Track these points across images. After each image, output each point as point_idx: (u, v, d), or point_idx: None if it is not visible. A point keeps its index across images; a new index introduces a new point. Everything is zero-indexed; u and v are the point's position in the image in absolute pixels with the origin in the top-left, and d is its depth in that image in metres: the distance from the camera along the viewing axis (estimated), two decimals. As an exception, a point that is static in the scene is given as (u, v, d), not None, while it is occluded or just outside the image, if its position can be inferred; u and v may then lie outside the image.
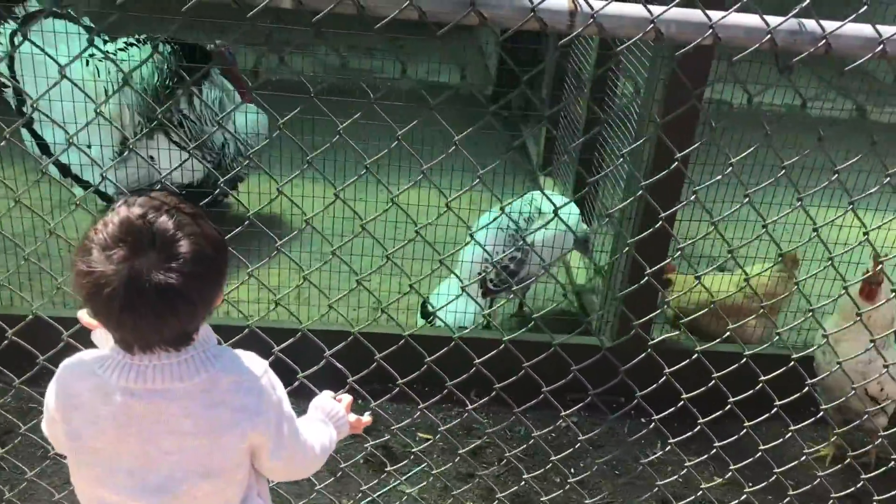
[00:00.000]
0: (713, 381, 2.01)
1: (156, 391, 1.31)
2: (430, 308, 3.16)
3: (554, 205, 1.86)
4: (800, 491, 2.32)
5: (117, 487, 1.36)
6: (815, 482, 2.32)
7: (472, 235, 2.54)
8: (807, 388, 2.12)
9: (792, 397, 2.10)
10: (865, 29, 1.47)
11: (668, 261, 2.87)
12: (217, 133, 3.68)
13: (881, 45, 1.45)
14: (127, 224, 1.23)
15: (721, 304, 3.30)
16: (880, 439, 2.55)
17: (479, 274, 3.14)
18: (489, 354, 1.92)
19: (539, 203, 3.24)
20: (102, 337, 1.45)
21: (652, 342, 2.00)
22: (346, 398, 1.76)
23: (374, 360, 1.93)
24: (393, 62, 5.25)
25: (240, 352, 1.45)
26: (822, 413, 2.50)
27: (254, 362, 1.44)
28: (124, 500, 1.37)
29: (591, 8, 1.43)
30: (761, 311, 2.23)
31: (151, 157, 3.49)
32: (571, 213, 3.35)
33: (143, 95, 3.37)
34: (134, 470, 1.35)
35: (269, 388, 1.43)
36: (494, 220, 3.10)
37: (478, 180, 1.66)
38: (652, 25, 1.44)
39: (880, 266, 2.60)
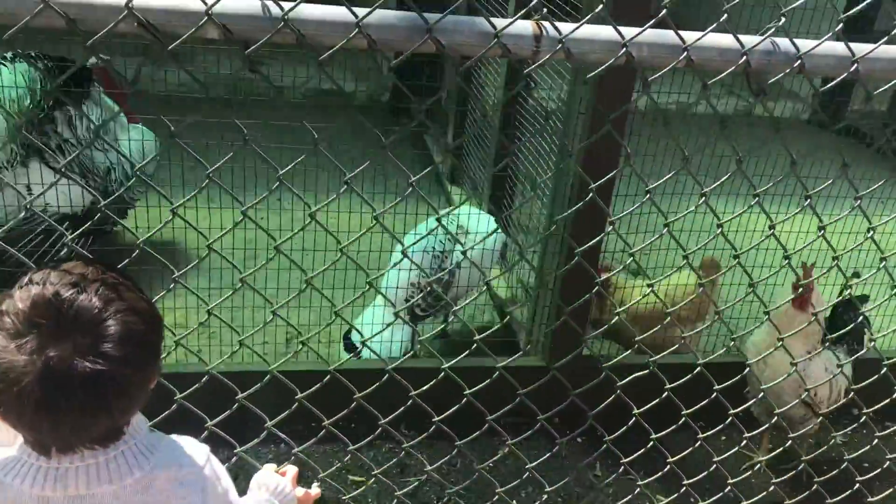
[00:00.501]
0: (665, 394, 1.91)
1: (79, 498, 1.09)
2: (353, 340, 2.97)
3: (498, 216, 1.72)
4: (753, 500, 2.28)
5: None
6: (770, 489, 2.28)
7: (405, 254, 2.37)
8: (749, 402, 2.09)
9: (742, 406, 2.06)
10: (838, 47, 1.39)
11: (613, 272, 2.79)
12: (102, 157, 3.35)
13: (854, 65, 1.37)
14: (40, 304, 1.01)
15: (651, 312, 3.28)
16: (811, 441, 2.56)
17: (407, 300, 2.97)
18: (428, 385, 1.75)
19: (461, 221, 3.10)
20: (5, 433, 1.20)
21: (608, 363, 1.90)
22: (291, 470, 1.57)
23: (295, 400, 1.71)
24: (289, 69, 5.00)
25: (176, 437, 1.25)
26: (763, 426, 2.47)
27: (194, 449, 1.24)
28: None
29: (559, 32, 1.29)
30: (717, 314, 2.16)
31: (28, 187, 3.14)
32: (492, 229, 3.22)
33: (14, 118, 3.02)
34: None
35: (214, 479, 1.25)
36: (418, 241, 2.94)
37: (408, 189, 1.48)
38: (624, 50, 1.31)
39: (810, 273, 2.60)
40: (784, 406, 2.59)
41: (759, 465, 2.94)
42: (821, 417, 2.79)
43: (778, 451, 2.46)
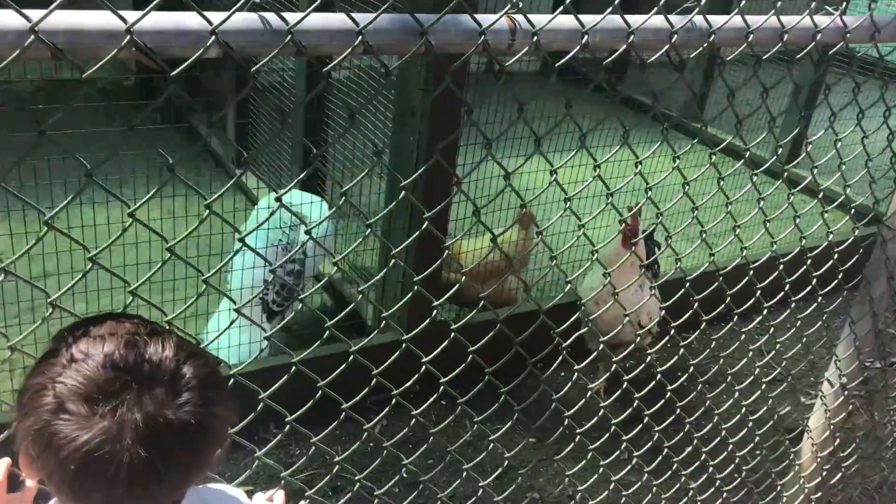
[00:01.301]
0: (514, 348, 1.81)
1: None
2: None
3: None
4: (588, 426, 2.42)
5: None
6: (599, 413, 2.43)
7: (255, 251, 2.24)
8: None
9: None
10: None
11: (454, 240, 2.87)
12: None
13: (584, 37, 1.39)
14: (112, 361, 0.89)
15: (484, 267, 3.45)
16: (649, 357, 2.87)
17: (262, 298, 2.85)
18: (278, 383, 1.53)
19: (296, 206, 3.01)
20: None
21: (456, 326, 1.73)
22: (279, 496, 1.50)
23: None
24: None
25: (210, 486, 1.16)
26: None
27: (236, 493, 1.17)
28: None
29: (532, 25, 1.33)
30: (553, 259, 2.32)
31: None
32: (324, 210, 3.18)
33: None
34: None
35: None
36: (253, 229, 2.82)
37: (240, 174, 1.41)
38: (585, 38, 1.39)
39: (637, 213, 2.91)
40: (625, 336, 2.90)
41: (593, 391, 3.26)
42: (649, 338, 3.18)
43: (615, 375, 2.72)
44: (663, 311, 3.17)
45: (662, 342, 3.39)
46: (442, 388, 1.80)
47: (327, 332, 1.56)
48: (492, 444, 2.05)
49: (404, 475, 2.21)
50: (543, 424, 2.12)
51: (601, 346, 2.37)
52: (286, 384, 1.49)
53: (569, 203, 1.62)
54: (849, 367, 2.36)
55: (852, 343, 2.32)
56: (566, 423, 2.26)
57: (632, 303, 2.95)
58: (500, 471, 2.48)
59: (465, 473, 1.89)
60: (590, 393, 2.44)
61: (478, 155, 1.68)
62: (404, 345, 1.68)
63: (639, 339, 2.94)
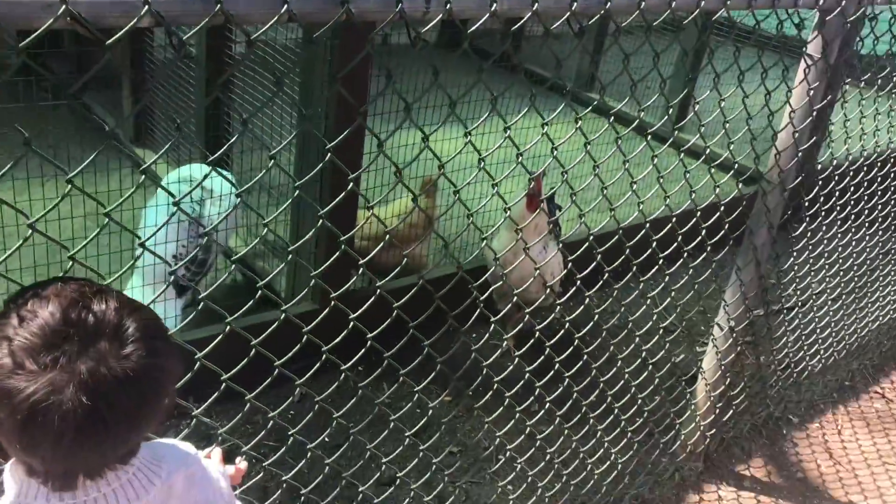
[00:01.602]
0: (434, 304, 1.90)
1: None
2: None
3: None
4: (500, 377, 2.53)
5: None
6: (512, 367, 2.54)
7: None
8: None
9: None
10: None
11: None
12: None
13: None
14: (57, 317, 0.93)
15: (394, 234, 3.52)
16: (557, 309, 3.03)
17: (171, 274, 2.84)
18: (205, 351, 1.51)
19: (206, 183, 3.01)
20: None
21: (380, 283, 1.75)
22: (216, 452, 1.55)
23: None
24: None
25: (162, 441, 1.22)
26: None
27: (186, 447, 1.23)
28: None
29: None
30: (469, 217, 2.46)
31: None
32: (234, 185, 3.18)
33: None
34: None
35: (209, 471, 1.25)
36: (172, 213, 2.80)
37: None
38: (494, 5, 1.47)
39: (541, 179, 3.05)
40: (531, 295, 3.05)
41: (507, 346, 3.41)
42: (553, 296, 3.34)
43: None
44: (565, 271, 3.38)
45: (566, 296, 3.59)
46: (362, 352, 1.87)
47: (249, 303, 1.55)
48: (416, 396, 2.14)
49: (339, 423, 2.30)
50: (460, 381, 2.24)
51: (510, 304, 2.51)
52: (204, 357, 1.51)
53: (482, 163, 1.71)
54: (736, 311, 2.57)
55: (738, 289, 2.53)
56: (482, 376, 2.39)
57: (538, 261, 3.11)
58: (422, 422, 2.58)
59: (392, 424, 1.98)
60: (500, 350, 2.58)
61: (389, 126, 1.74)
62: (332, 306, 1.73)
63: (543, 297, 3.11)
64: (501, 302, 3.37)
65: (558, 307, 2.59)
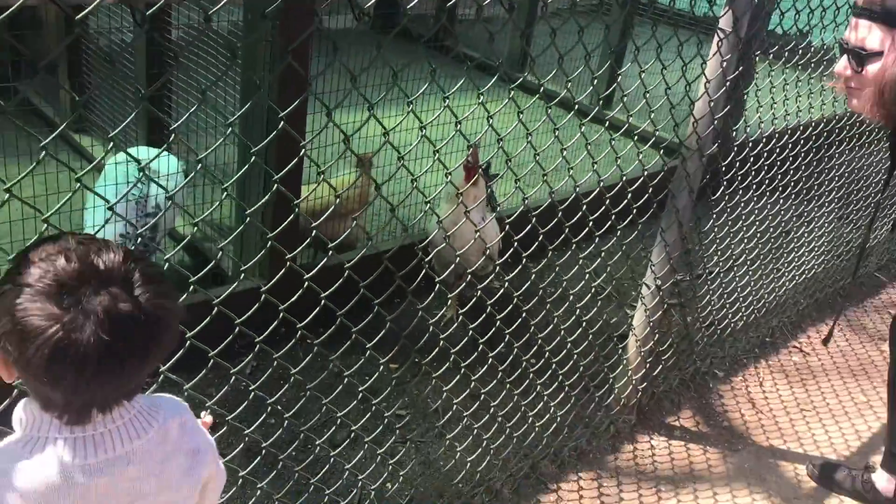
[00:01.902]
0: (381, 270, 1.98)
1: (117, 459, 1.14)
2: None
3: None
4: (445, 335, 2.64)
5: None
6: (454, 326, 2.64)
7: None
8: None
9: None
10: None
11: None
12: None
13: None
14: (77, 265, 1.03)
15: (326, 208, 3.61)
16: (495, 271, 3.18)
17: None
18: None
19: (152, 164, 3.06)
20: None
21: (308, 275, 1.82)
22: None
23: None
24: None
25: (156, 395, 1.32)
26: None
27: (179, 400, 1.32)
28: None
29: None
30: (413, 182, 2.58)
31: None
32: (175, 164, 3.23)
33: None
34: None
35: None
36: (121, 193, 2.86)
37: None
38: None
39: (477, 149, 3.19)
40: (471, 263, 3.19)
41: (453, 316, 3.55)
42: (491, 264, 3.48)
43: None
44: (500, 236, 3.53)
45: (503, 259, 3.74)
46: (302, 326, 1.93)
47: (191, 285, 1.62)
48: (368, 353, 2.22)
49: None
50: (407, 342, 2.36)
51: (450, 270, 2.65)
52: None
53: (424, 131, 1.83)
54: (662, 270, 2.75)
55: (663, 249, 2.71)
56: (429, 335, 2.52)
57: (476, 230, 3.25)
58: (373, 378, 2.68)
59: (346, 380, 2.09)
60: (444, 312, 2.74)
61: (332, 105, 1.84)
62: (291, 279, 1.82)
63: (482, 262, 3.26)
64: (443, 269, 3.50)
65: (495, 271, 2.74)
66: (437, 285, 2.36)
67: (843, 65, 2.04)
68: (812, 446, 3.11)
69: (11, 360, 1.04)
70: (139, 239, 3.02)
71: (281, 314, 1.83)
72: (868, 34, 1.96)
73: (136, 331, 1.05)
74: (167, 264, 1.61)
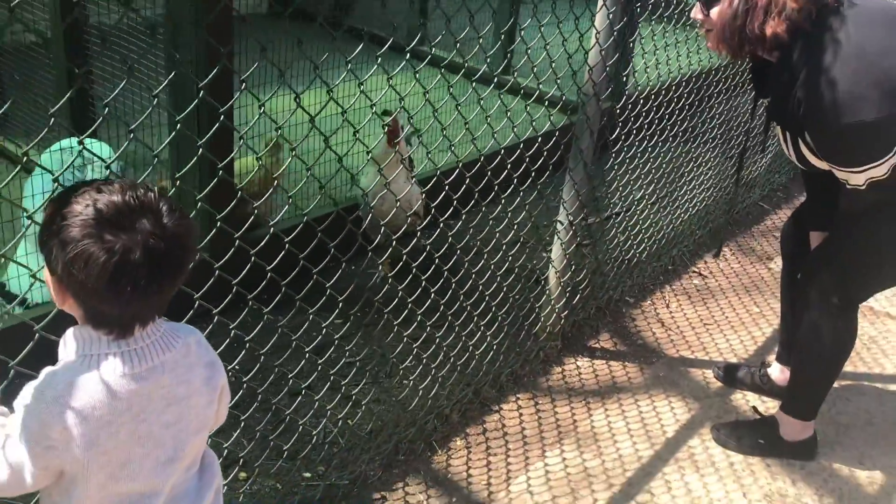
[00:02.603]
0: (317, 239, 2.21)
1: (154, 368, 1.36)
2: (9, 289, 2.95)
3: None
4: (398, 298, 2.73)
5: (132, 476, 1.37)
6: (385, 288, 2.90)
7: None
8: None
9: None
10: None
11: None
12: None
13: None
14: (120, 200, 1.25)
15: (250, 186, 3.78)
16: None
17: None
18: None
19: (83, 150, 3.17)
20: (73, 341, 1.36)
21: (254, 251, 1.98)
22: None
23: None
24: None
25: None
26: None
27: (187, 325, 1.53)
28: (139, 487, 1.39)
29: None
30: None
31: None
32: (108, 151, 3.35)
33: None
34: (147, 453, 1.38)
35: None
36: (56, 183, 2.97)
37: None
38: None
39: (398, 116, 3.43)
40: (399, 221, 3.44)
41: (383, 275, 3.79)
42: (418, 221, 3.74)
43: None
44: (422, 199, 3.79)
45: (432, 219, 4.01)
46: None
47: None
48: (311, 317, 2.45)
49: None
50: (347, 304, 2.49)
51: (381, 233, 2.91)
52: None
53: (332, 99, 2.03)
54: (573, 206, 3.07)
55: (572, 187, 3.03)
56: (364, 299, 2.78)
57: (402, 192, 3.50)
58: (318, 340, 2.92)
59: (294, 344, 2.32)
60: (377, 274, 2.98)
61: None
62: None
63: (409, 222, 3.51)
64: (374, 232, 3.74)
65: (422, 226, 3.02)
66: (371, 247, 2.56)
67: (696, 11, 2.46)
68: (716, 353, 3.52)
69: (72, 285, 1.25)
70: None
71: (234, 288, 2.01)
72: None
73: (172, 251, 1.27)
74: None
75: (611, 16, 2.77)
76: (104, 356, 1.32)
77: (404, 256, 2.74)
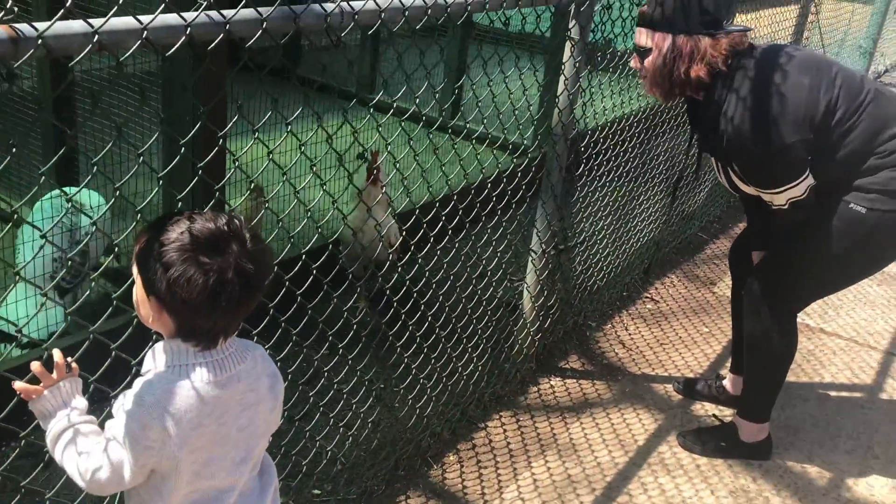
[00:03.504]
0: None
1: (232, 377, 1.54)
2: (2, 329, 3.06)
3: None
4: (347, 340, 2.80)
5: (213, 474, 1.54)
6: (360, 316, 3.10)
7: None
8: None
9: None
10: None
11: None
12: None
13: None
14: (213, 227, 1.44)
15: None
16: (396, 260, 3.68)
17: (52, 277, 3.15)
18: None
19: (76, 197, 3.32)
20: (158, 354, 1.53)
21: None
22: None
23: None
24: None
25: None
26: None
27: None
28: (217, 483, 1.57)
29: (36, 30, 1.38)
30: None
31: None
32: (97, 198, 3.49)
33: None
34: (226, 453, 1.56)
35: None
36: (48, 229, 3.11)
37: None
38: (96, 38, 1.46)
39: (377, 153, 3.67)
40: (381, 257, 3.67)
41: (362, 308, 3.98)
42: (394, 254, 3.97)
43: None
44: (401, 237, 4.02)
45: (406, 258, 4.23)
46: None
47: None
48: (304, 352, 2.57)
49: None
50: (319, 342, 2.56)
51: (362, 264, 3.13)
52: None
53: (315, 167, 2.22)
54: (546, 235, 3.35)
55: (545, 217, 3.32)
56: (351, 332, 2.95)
57: (385, 227, 3.72)
58: (310, 373, 3.10)
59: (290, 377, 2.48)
60: (360, 309, 3.19)
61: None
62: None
63: (390, 255, 3.73)
64: (352, 265, 3.93)
65: (405, 259, 3.24)
66: (350, 280, 2.69)
67: (633, 60, 2.86)
68: (674, 370, 3.83)
69: (174, 303, 1.42)
70: (70, 264, 3.28)
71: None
72: (642, 37, 2.78)
73: (258, 270, 1.47)
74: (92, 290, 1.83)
75: (577, 64, 3.09)
76: (192, 366, 1.50)
77: (387, 290, 2.98)
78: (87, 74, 3.92)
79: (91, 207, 3.36)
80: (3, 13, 1.33)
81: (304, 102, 2.09)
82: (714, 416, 3.50)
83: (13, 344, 3.07)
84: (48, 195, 3.40)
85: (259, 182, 4.16)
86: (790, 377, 3.77)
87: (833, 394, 3.77)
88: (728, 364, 3.64)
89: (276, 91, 2.16)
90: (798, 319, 3.08)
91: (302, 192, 2.31)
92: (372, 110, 2.33)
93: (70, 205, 3.31)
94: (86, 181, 1.97)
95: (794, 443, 3.37)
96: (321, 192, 2.26)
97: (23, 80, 4.16)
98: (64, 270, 3.23)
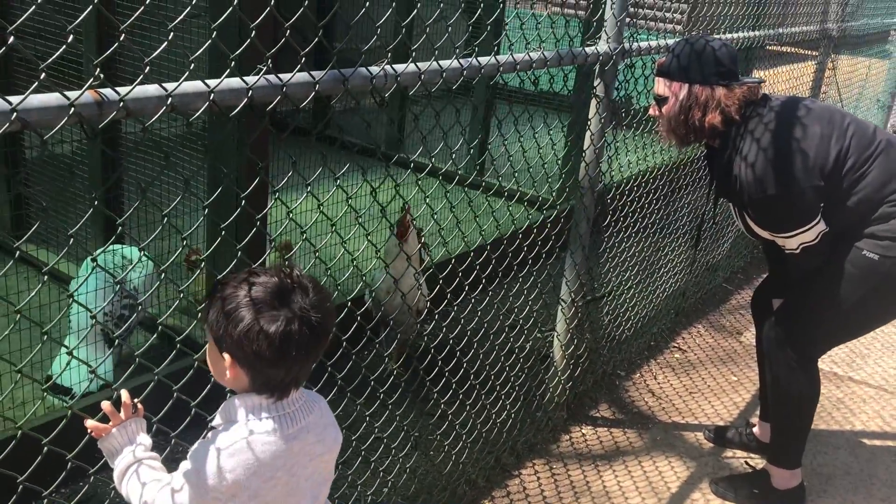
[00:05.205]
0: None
1: (302, 429, 1.58)
2: (60, 382, 3.16)
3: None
4: (387, 386, 2.95)
5: None
6: (392, 375, 3.25)
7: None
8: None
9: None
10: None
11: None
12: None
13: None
14: (278, 282, 1.52)
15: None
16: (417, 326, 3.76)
17: (103, 330, 3.27)
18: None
19: (124, 253, 3.47)
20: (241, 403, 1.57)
21: None
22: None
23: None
24: None
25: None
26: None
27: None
28: None
29: (118, 94, 1.50)
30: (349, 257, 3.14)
31: None
32: (141, 255, 3.63)
33: None
34: (295, 503, 1.61)
35: None
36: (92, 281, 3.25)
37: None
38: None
39: (409, 210, 3.79)
40: (406, 316, 3.74)
41: (392, 368, 4.06)
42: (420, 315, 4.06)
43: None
44: (431, 295, 4.12)
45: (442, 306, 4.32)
46: None
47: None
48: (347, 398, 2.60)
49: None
50: (360, 389, 2.66)
51: (398, 317, 3.22)
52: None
53: (360, 218, 2.34)
54: (574, 284, 3.44)
55: (574, 267, 3.41)
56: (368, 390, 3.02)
57: (411, 287, 3.81)
58: (351, 418, 3.17)
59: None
60: (391, 368, 3.28)
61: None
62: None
63: (414, 317, 3.81)
64: (383, 324, 4.01)
65: (437, 311, 3.34)
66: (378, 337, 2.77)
67: (652, 109, 3.01)
68: (704, 418, 3.86)
69: (247, 357, 1.48)
70: (121, 316, 3.41)
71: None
72: (660, 86, 2.94)
73: (323, 321, 1.53)
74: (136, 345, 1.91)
75: (602, 120, 3.22)
76: (265, 420, 1.55)
77: (424, 338, 3.07)
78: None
79: (132, 262, 3.50)
80: (92, 80, 1.47)
81: (351, 161, 2.22)
82: (746, 462, 3.52)
83: (68, 396, 3.17)
84: (98, 251, 3.55)
85: (288, 238, 4.29)
86: (821, 425, 3.79)
87: (865, 441, 3.78)
88: (758, 412, 3.67)
89: (298, 150, 2.27)
90: (826, 368, 3.13)
91: (336, 245, 2.40)
92: (408, 167, 2.46)
93: (122, 260, 3.48)
94: (144, 244, 2.01)
95: (826, 490, 3.38)
96: (365, 243, 2.37)
97: (63, 145, 4.36)
98: (113, 322, 3.36)
